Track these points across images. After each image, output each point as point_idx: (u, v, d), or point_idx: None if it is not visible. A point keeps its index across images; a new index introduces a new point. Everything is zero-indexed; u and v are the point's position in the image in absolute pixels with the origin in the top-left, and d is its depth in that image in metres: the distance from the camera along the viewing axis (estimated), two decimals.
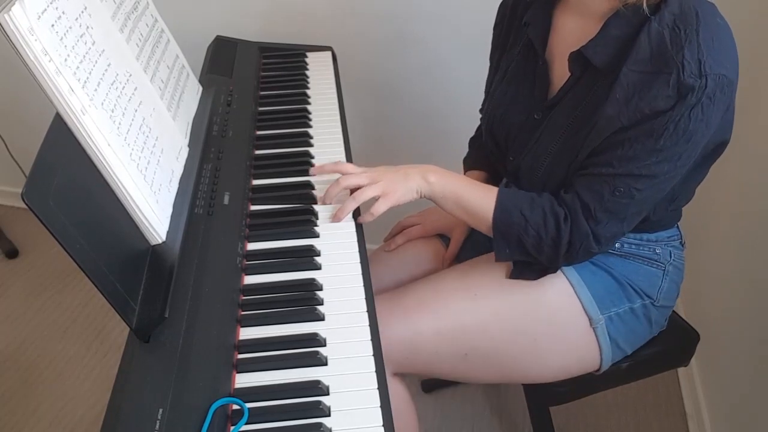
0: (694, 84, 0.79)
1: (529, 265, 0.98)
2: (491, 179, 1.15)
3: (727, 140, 0.92)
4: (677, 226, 1.05)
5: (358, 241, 0.96)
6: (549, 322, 0.99)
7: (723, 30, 0.83)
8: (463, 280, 1.01)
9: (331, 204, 1.02)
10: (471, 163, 1.19)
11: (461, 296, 0.99)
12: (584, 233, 0.90)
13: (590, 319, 0.98)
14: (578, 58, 0.89)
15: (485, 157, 1.16)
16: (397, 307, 0.98)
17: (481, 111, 1.14)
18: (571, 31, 0.93)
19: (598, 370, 1.04)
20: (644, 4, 0.83)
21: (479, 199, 0.95)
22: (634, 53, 0.83)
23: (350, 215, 1.00)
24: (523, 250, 0.94)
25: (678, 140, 0.82)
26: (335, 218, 0.99)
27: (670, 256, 1.02)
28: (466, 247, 1.15)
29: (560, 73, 0.95)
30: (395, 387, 1.00)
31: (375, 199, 0.96)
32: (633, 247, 1.01)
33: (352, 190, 1.00)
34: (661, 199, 0.92)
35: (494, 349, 0.98)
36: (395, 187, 0.96)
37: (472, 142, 1.23)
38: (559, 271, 0.98)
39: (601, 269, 1.00)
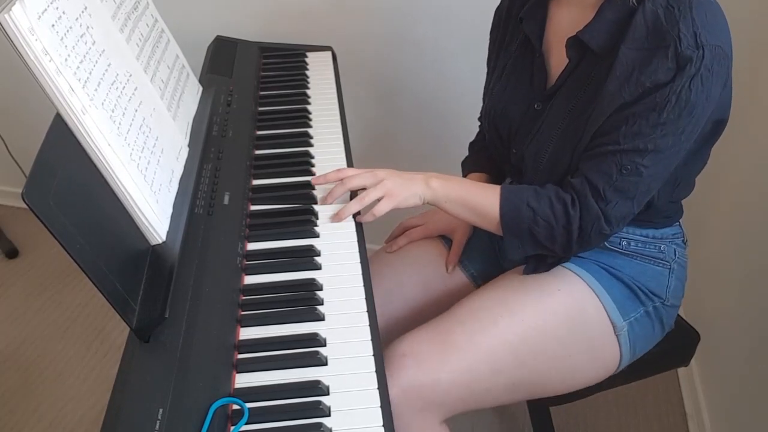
0: (691, 55, 0.81)
1: (543, 258, 0.97)
2: (491, 181, 1.15)
3: (726, 119, 0.93)
4: (680, 224, 1.06)
5: (359, 241, 0.96)
6: (581, 333, 0.98)
7: (715, 7, 0.86)
8: (504, 304, 0.96)
9: (333, 204, 1.02)
10: (471, 166, 1.19)
11: (508, 323, 0.94)
12: (595, 215, 0.90)
13: (614, 327, 0.98)
14: (575, 44, 0.90)
15: (486, 159, 1.16)
16: (448, 347, 0.91)
17: (479, 119, 1.14)
18: (567, 22, 0.94)
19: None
20: None
21: (484, 198, 0.95)
22: (630, 33, 0.85)
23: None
24: (536, 243, 0.93)
25: (681, 113, 0.84)
26: (336, 218, 0.99)
27: (675, 254, 1.03)
28: (469, 248, 1.15)
29: (557, 63, 0.96)
30: None
31: (378, 200, 0.96)
32: (639, 245, 1.01)
33: (354, 192, 1.00)
34: (665, 182, 0.92)
35: (540, 371, 0.96)
36: (399, 190, 0.96)
37: (472, 146, 1.23)
38: (580, 279, 0.98)
39: (611, 275, 1.00)
